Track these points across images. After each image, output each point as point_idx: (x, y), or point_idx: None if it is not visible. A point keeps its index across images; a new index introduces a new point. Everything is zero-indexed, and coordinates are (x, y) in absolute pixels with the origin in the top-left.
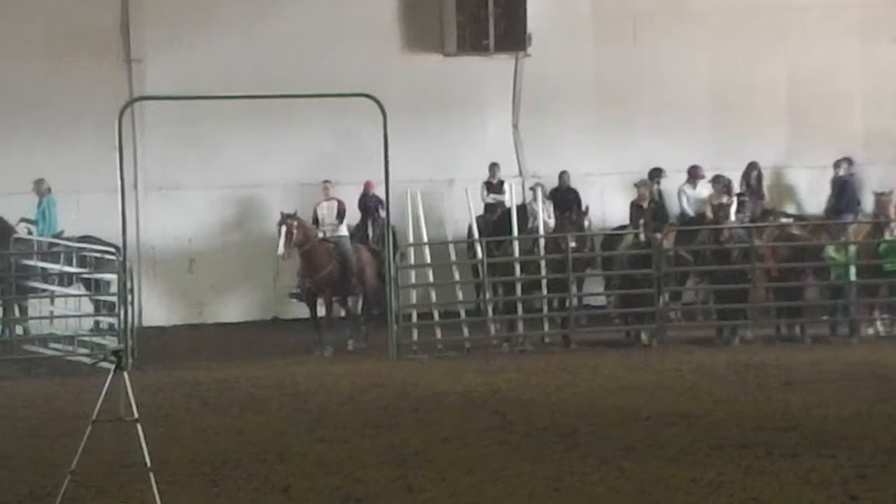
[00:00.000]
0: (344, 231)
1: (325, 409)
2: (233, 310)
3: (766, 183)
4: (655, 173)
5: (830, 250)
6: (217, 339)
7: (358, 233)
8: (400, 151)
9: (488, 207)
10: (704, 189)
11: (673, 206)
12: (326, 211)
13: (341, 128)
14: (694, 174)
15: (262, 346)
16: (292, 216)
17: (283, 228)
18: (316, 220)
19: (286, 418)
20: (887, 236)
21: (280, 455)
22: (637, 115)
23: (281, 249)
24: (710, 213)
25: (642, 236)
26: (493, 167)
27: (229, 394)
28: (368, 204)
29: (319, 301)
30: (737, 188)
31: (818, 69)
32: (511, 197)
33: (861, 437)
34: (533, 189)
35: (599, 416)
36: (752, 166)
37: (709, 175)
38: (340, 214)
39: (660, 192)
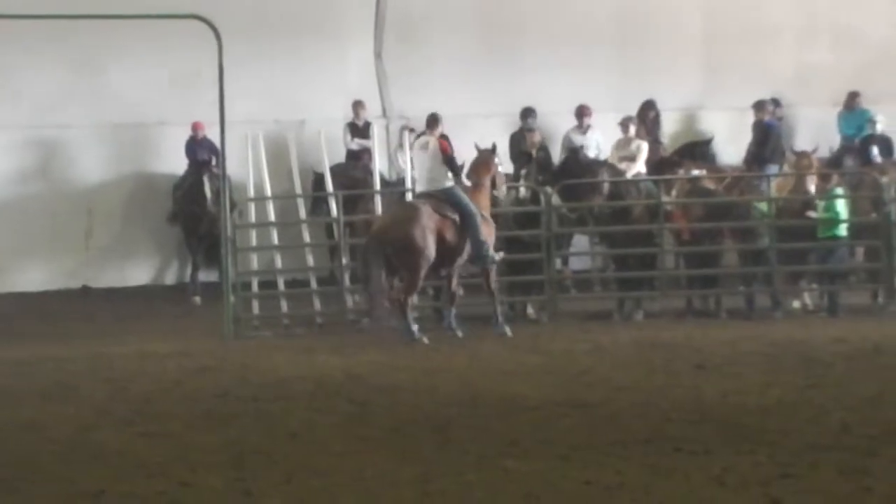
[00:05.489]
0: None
1: (147, 398)
2: (33, 276)
3: (675, 128)
4: (527, 113)
5: (763, 206)
6: (12, 311)
7: (184, 184)
8: (238, 86)
9: (352, 154)
10: (595, 134)
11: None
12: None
13: (167, 57)
14: (582, 115)
15: (69, 321)
16: None
17: None
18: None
19: (99, 409)
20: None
21: (91, 454)
22: (524, 45)
23: None
24: (616, 162)
25: (522, 190)
26: (357, 106)
27: (27, 379)
28: (198, 151)
29: None
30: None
31: None
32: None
33: (785, 430)
34: (401, 133)
35: (477, 406)
36: (649, 106)
37: (616, 117)
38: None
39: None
